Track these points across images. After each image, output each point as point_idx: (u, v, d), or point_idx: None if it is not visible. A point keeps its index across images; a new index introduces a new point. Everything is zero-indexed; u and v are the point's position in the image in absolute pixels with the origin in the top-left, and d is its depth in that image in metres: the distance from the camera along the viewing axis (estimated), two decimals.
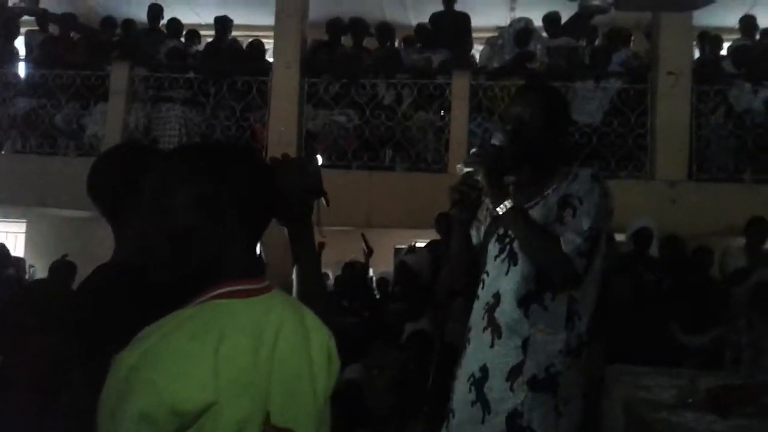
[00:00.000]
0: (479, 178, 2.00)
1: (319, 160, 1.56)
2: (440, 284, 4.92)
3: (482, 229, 2.22)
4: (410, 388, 3.40)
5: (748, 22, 7.06)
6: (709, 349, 4.50)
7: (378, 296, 6.17)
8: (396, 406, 2.90)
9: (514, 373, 1.99)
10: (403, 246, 7.28)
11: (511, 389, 1.99)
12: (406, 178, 6.53)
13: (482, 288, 2.11)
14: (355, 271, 5.88)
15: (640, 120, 6.43)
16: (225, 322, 1.08)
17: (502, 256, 2.08)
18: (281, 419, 1.10)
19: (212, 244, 1.13)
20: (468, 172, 2.02)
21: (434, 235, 5.87)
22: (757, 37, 7.10)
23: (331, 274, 7.02)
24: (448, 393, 2.20)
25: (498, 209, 2.00)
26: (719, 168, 6.35)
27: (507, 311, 2.01)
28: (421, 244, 6.79)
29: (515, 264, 2.03)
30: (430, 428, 3.09)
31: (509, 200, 1.99)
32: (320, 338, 1.21)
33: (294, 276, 1.51)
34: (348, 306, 5.62)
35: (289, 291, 1.56)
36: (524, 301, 2.01)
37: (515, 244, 2.04)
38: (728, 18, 7.25)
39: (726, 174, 6.33)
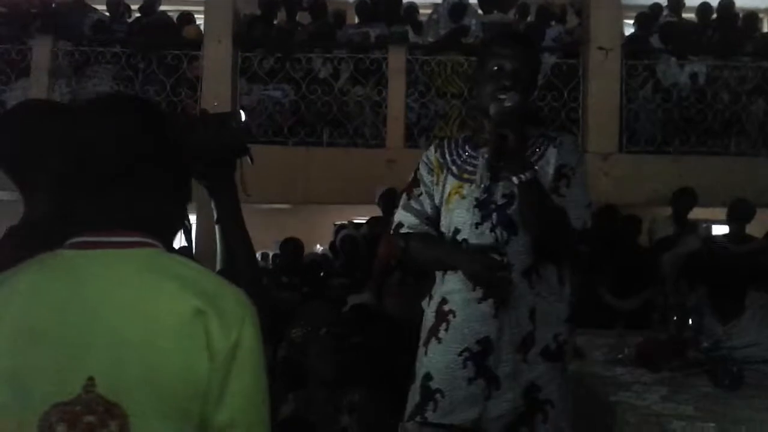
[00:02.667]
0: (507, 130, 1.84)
1: (242, 116, 1.47)
2: (377, 258, 4.91)
3: (441, 190, 2.05)
4: (348, 358, 3.36)
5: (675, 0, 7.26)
6: (638, 312, 4.65)
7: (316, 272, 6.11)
8: (336, 371, 2.86)
9: (525, 344, 1.89)
10: (343, 222, 7.23)
11: (525, 361, 1.88)
12: (343, 154, 6.48)
13: None
14: (293, 247, 5.81)
15: (572, 94, 6.56)
16: (27, 271, 1.05)
17: (488, 223, 1.94)
18: (109, 390, 0.97)
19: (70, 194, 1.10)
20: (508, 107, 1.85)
21: (373, 210, 5.86)
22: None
23: (271, 252, 6.94)
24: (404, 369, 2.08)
25: (515, 178, 1.85)
26: (648, 140, 6.55)
27: (513, 281, 1.89)
28: (359, 221, 6.77)
29: (515, 234, 1.92)
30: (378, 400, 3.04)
31: (531, 171, 1.85)
32: (178, 309, 1.00)
33: (217, 237, 1.45)
34: (287, 282, 5.56)
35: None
36: (527, 272, 1.92)
37: (511, 213, 1.91)
38: None
39: (654, 146, 6.54)
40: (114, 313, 0.99)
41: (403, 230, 2.08)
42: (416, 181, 2.11)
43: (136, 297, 1.01)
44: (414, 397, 1.97)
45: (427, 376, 1.94)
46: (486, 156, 1.98)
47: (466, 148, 2.07)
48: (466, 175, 2.01)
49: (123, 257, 1.04)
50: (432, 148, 2.12)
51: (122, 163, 1.08)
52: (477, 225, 1.94)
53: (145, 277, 1.03)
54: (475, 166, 2.01)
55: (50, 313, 1.00)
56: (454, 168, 2.04)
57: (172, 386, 0.98)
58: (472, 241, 1.94)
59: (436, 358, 1.94)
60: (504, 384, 1.87)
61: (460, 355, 1.89)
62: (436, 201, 2.06)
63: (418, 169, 2.12)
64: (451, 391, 1.90)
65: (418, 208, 2.07)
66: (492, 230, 1.93)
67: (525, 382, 1.88)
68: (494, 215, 1.93)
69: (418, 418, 1.94)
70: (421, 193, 2.08)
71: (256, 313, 1.07)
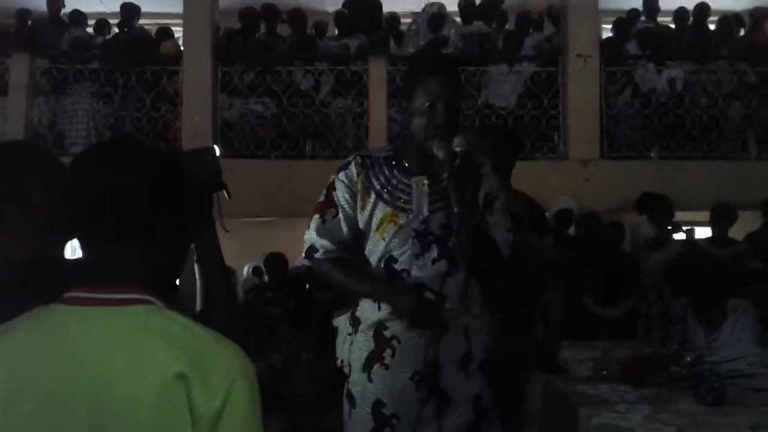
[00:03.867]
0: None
1: (217, 150, 1.48)
2: None
3: (368, 215, 2.04)
4: (330, 379, 3.34)
5: (651, 5, 7.31)
6: (623, 320, 4.68)
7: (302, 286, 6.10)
8: (318, 393, 2.86)
9: (465, 361, 2.02)
10: None
11: (467, 377, 2.03)
12: (326, 166, 6.43)
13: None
14: (278, 262, 5.79)
15: (552, 102, 6.59)
16: (21, 327, 1.02)
17: (430, 255, 2.00)
18: None
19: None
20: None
21: None
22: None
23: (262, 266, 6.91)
24: None
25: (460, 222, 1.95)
26: (628, 146, 6.60)
27: (451, 308, 2.01)
28: None
29: (456, 267, 2.01)
30: None
31: (477, 215, 1.99)
32: (160, 373, 0.98)
33: (197, 274, 1.44)
34: (273, 297, 5.54)
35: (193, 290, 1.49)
36: (463, 297, 2.04)
37: (452, 247, 1.99)
38: (633, 0, 7.48)
39: (635, 151, 6.59)
40: (96, 374, 0.98)
41: (318, 255, 2.06)
42: (330, 202, 2.07)
43: (120, 358, 0.99)
44: (364, 423, 2.01)
45: (379, 402, 1.99)
46: (423, 187, 2.02)
47: (394, 172, 2.06)
48: (400, 204, 2.03)
49: (114, 315, 1.02)
50: (352, 169, 2.06)
51: (142, 216, 1.06)
52: (417, 256, 2.00)
53: (132, 337, 1.01)
54: (408, 194, 2.03)
55: (37, 370, 0.99)
56: (384, 194, 2.03)
57: None
58: (414, 272, 1.99)
59: (386, 384, 1.99)
60: (454, 400, 2.00)
61: (411, 378, 1.98)
62: (360, 225, 2.04)
63: (333, 188, 2.06)
64: (406, 415, 1.97)
65: (334, 231, 2.05)
66: (434, 262, 2.00)
67: (471, 395, 2.02)
68: (434, 247, 2.00)
69: None
70: (336, 215, 2.05)
71: (252, 371, 1.05)
